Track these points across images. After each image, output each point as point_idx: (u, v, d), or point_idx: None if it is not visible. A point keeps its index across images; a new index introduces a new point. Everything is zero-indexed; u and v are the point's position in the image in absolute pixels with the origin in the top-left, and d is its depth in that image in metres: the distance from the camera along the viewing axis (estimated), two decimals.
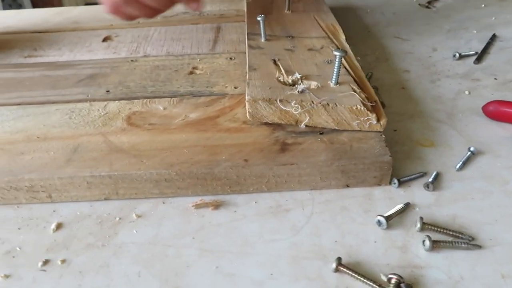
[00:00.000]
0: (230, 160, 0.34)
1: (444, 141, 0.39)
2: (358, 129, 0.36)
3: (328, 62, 0.43)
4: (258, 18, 0.47)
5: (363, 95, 0.37)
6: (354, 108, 0.35)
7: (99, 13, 0.69)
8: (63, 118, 0.41)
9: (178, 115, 0.41)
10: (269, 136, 0.36)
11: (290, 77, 0.39)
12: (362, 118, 0.35)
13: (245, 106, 0.40)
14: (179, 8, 0.70)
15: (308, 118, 0.36)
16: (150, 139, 0.37)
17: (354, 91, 0.37)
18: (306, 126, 0.37)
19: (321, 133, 0.36)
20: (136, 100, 0.43)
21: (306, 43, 0.48)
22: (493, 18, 0.64)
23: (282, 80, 0.39)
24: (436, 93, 0.47)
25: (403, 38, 0.60)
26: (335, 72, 0.37)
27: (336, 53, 0.37)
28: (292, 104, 0.36)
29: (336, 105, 0.35)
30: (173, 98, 0.43)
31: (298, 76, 0.39)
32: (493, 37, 0.57)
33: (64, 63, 0.53)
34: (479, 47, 0.55)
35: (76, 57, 0.55)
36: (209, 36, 0.58)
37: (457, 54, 0.53)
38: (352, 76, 0.40)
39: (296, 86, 0.38)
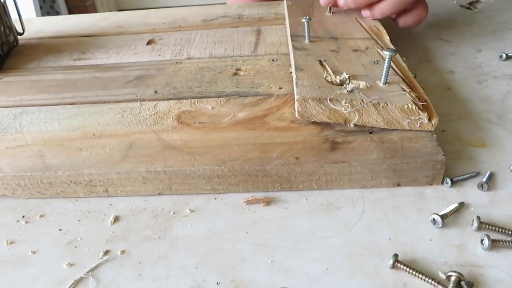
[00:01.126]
0: (281, 157, 0.35)
1: (496, 141, 0.38)
2: (409, 128, 0.36)
3: (374, 63, 0.43)
4: (303, 20, 0.47)
5: (413, 95, 0.37)
6: (405, 107, 0.35)
7: (142, 17, 0.72)
8: (116, 116, 0.43)
9: (227, 114, 0.41)
10: (319, 135, 0.37)
11: (337, 77, 0.40)
12: (413, 118, 0.35)
13: (292, 105, 0.41)
14: (218, 11, 0.72)
15: (357, 117, 0.36)
16: (201, 137, 0.38)
17: (404, 90, 0.37)
18: (355, 125, 0.37)
19: (370, 132, 0.36)
20: (184, 100, 0.45)
21: (350, 44, 0.48)
22: None
23: (330, 80, 0.40)
24: (483, 94, 0.46)
25: (446, 39, 0.59)
26: (384, 71, 0.38)
27: (386, 52, 0.37)
28: (342, 103, 0.36)
29: (387, 104, 0.35)
30: (220, 98, 0.44)
31: (346, 76, 0.39)
32: None
33: (112, 65, 0.55)
34: None
35: (122, 60, 0.57)
36: (250, 39, 0.59)
37: (504, 55, 0.52)
38: (400, 76, 0.40)
39: (344, 85, 0.38)
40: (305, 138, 0.37)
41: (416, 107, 0.35)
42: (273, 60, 0.53)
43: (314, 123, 0.38)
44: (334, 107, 0.36)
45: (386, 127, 0.36)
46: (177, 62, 0.54)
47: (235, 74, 0.50)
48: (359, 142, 0.35)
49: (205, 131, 0.39)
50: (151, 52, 0.58)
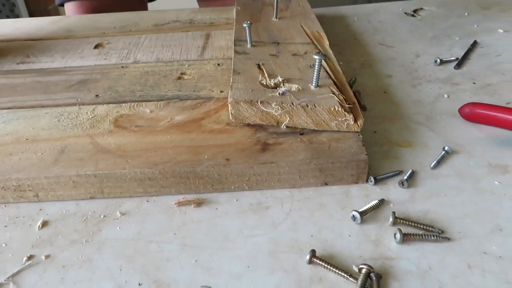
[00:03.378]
0: (213, 159, 0.35)
1: (421, 141, 0.40)
2: (337, 129, 0.37)
3: (310, 66, 0.44)
4: (244, 25, 0.48)
5: (341, 97, 0.38)
6: (332, 109, 0.36)
7: (92, 22, 0.71)
8: (52, 121, 0.42)
9: (164, 117, 0.42)
10: (251, 137, 0.38)
11: (272, 80, 0.41)
12: (340, 119, 0.36)
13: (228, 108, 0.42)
14: (171, 16, 0.72)
15: (288, 119, 0.37)
16: (136, 141, 0.38)
17: (333, 93, 0.38)
18: (287, 127, 0.38)
19: (301, 134, 0.38)
20: (124, 104, 0.45)
21: (291, 48, 0.49)
22: (476, 26, 0.65)
23: (264, 83, 0.41)
24: (416, 97, 0.48)
25: (388, 45, 0.61)
26: (315, 75, 0.39)
27: (316, 57, 0.38)
28: (273, 105, 0.37)
29: (315, 106, 0.36)
30: (160, 102, 0.45)
31: (280, 79, 0.41)
32: (474, 44, 0.59)
33: (56, 70, 0.54)
34: (461, 53, 0.57)
35: (67, 64, 0.56)
36: (198, 43, 0.60)
37: (438, 60, 0.54)
38: (332, 80, 0.41)
39: (277, 88, 0.39)
40: (238, 140, 0.37)
41: (342, 109, 0.36)
42: (218, 64, 0.53)
43: (249, 125, 0.39)
44: (265, 109, 0.37)
45: (316, 128, 0.38)
46: (122, 67, 0.54)
47: (179, 78, 0.50)
48: (289, 143, 0.37)
49: (141, 135, 0.39)
50: (97, 56, 0.58)
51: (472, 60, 0.55)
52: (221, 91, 0.46)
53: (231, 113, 0.38)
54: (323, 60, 0.40)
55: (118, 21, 0.71)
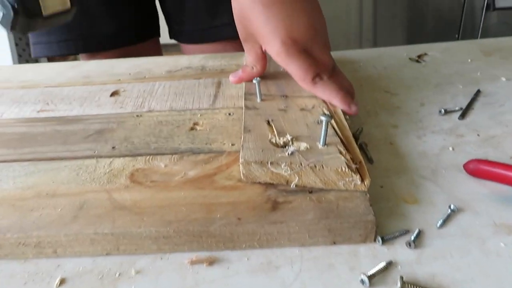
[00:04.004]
0: (225, 218, 0.37)
1: (428, 197, 0.42)
2: (344, 188, 0.39)
3: (318, 123, 0.46)
4: (254, 81, 0.50)
5: (348, 157, 0.39)
6: (340, 170, 0.38)
7: (109, 67, 0.74)
8: (71, 174, 0.44)
9: (178, 172, 0.43)
10: (262, 194, 0.39)
11: (281, 138, 0.43)
12: (347, 179, 0.38)
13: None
14: (183, 62, 0.75)
15: (297, 178, 0.39)
16: (151, 196, 0.40)
17: (340, 152, 0.40)
18: (296, 185, 0.39)
19: (310, 192, 0.39)
20: (139, 157, 0.46)
21: (299, 102, 0.51)
22: (478, 73, 0.67)
23: (274, 141, 0.43)
24: (422, 148, 0.49)
25: (392, 93, 0.63)
26: (322, 134, 0.41)
27: (323, 118, 0.40)
28: (282, 166, 0.38)
29: (323, 167, 0.38)
30: (174, 155, 0.46)
31: (289, 138, 0.42)
32: (478, 93, 0.60)
33: (74, 118, 0.57)
34: (464, 102, 0.58)
35: (85, 112, 0.59)
36: (210, 91, 0.62)
37: (443, 110, 0.56)
38: (339, 137, 0.43)
39: (287, 147, 0.41)
40: (249, 198, 0.39)
41: (350, 170, 0.38)
42: (229, 114, 0.55)
43: (259, 183, 0.40)
44: (275, 170, 0.39)
45: (324, 187, 0.39)
46: (137, 115, 0.56)
47: (192, 128, 0.53)
48: (298, 202, 0.38)
49: (156, 190, 0.41)
50: (113, 104, 0.60)
51: (475, 110, 0.57)
52: (232, 144, 0.48)
53: (242, 173, 0.40)
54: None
55: (132, 67, 0.74)
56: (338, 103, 0.49)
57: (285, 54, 0.49)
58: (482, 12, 1.48)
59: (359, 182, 0.38)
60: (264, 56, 0.57)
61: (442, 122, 0.55)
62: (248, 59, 0.57)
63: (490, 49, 0.76)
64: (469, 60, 0.72)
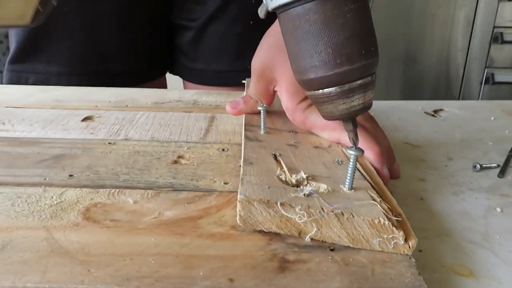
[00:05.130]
0: (210, 277, 0.25)
1: (485, 270, 0.31)
2: (380, 249, 0.28)
3: (338, 163, 0.36)
4: (259, 108, 0.41)
5: (385, 206, 0.29)
6: (376, 221, 0.27)
7: (86, 93, 0.65)
8: (4, 204, 0.32)
9: (151, 211, 0.32)
10: (265, 248, 0.28)
11: (294, 176, 0.32)
12: (385, 236, 0.27)
13: (235, 207, 0.32)
14: (173, 95, 0.66)
15: (315, 229, 0.28)
16: (107, 240, 0.28)
17: (374, 200, 0.29)
18: (312, 239, 0.28)
19: (331, 250, 0.28)
20: (102, 189, 0.35)
21: (312, 140, 0.42)
22: (507, 131, 0.60)
23: (284, 178, 0.32)
24: (461, 208, 0.40)
25: (414, 145, 0.55)
26: (349, 174, 0.30)
27: (351, 152, 0.30)
28: (297, 210, 0.28)
29: (353, 216, 0.27)
30: (148, 190, 0.35)
31: (304, 176, 0.32)
32: None
33: (30, 140, 0.46)
34: (499, 160, 0.50)
35: (46, 135, 0.48)
36: (202, 125, 0.53)
37: (478, 166, 0.47)
38: (368, 181, 0.33)
39: (301, 187, 0.31)
40: (247, 252, 0.28)
41: (390, 223, 0.27)
42: (223, 149, 0.45)
43: (261, 231, 0.29)
44: (286, 214, 0.28)
45: (351, 245, 0.28)
46: (110, 143, 0.46)
47: (175, 162, 0.42)
48: (316, 262, 0.27)
49: (116, 233, 0.29)
50: (83, 130, 0.50)
51: None
52: (225, 183, 0.38)
53: (239, 214, 0.29)
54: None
55: (115, 95, 0.65)
56: (372, 157, 0.38)
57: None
58: (481, 87, 1.47)
59: (401, 242, 0.27)
60: (274, 93, 0.48)
61: (479, 179, 0.45)
62: (253, 91, 0.48)
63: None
64: (493, 118, 0.65)
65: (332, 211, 0.27)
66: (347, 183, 0.31)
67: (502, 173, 0.46)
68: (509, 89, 1.44)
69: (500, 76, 1.45)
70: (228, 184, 0.37)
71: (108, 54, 0.77)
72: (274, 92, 0.46)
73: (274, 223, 0.29)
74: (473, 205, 0.40)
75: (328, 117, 0.32)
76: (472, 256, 0.32)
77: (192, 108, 0.61)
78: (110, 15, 0.75)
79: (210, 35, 0.79)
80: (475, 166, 0.47)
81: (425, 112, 0.68)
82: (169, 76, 0.91)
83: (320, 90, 0.30)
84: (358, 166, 0.36)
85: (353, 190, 0.31)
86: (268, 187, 0.30)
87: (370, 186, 0.32)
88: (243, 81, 0.63)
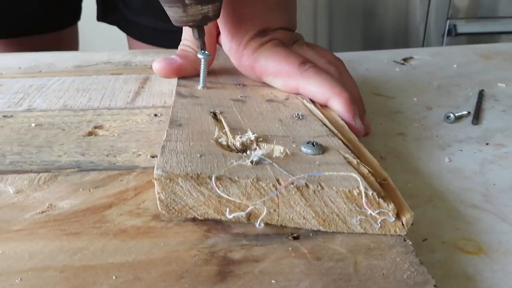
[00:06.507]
0: None
1: (496, 242, 0.24)
2: (362, 231, 0.20)
3: (299, 118, 0.27)
4: (199, 55, 0.32)
5: (365, 170, 0.21)
6: (356, 192, 0.19)
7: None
8: None
9: (39, 203, 0.23)
10: (198, 246, 0.19)
11: (238, 137, 0.23)
12: (369, 212, 0.19)
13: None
14: (101, 57, 0.55)
15: (269, 210, 0.19)
16: None
17: (350, 162, 0.21)
18: (267, 224, 0.20)
19: (295, 238, 0.20)
20: None
21: (264, 92, 0.33)
22: (486, 75, 0.53)
23: (224, 143, 0.23)
24: (452, 164, 0.32)
25: (387, 96, 0.47)
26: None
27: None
28: (241, 184, 0.19)
29: (322, 187, 0.19)
30: (41, 174, 0.26)
31: (252, 137, 0.23)
32: (481, 92, 0.46)
33: None
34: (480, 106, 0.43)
35: None
36: (131, 87, 0.43)
37: (452, 116, 0.39)
38: (339, 138, 0.24)
39: (248, 152, 0.22)
40: (171, 253, 0.19)
41: (374, 193, 0.19)
42: (155, 115, 0.36)
43: (194, 220, 0.21)
44: (226, 196, 0.19)
45: (322, 228, 0.20)
46: (5, 116, 0.35)
47: (90, 134, 0.32)
48: (274, 259, 0.18)
49: None
50: None
51: (486, 112, 0.41)
52: (152, 156, 0.28)
53: (159, 198, 0.20)
54: (312, 105, 0.23)
55: (27, 60, 0.53)
56: (339, 105, 0.30)
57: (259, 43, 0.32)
58: (443, 39, 1.42)
59: (392, 218, 0.19)
60: (217, 36, 0.38)
61: (467, 129, 0.38)
62: (190, 35, 0.38)
63: (488, 53, 0.63)
64: (468, 63, 0.59)
65: (292, 183, 0.19)
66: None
67: (476, 118, 0.39)
68: (471, 41, 1.40)
69: (462, 27, 1.40)
70: (155, 157, 0.28)
71: None
72: (218, 34, 0.36)
73: (211, 207, 0.20)
74: (465, 160, 0.33)
75: (177, 22, 0.31)
76: (476, 225, 0.25)
77: (122, 70, 0.50)
78: None
79: None
80: (448, 117, 0.40)
81: (394, 61, 0.61)
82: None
83: None
84: (323, 118, 0.27)
85: (322, 154, 0.22)
86: (200, 156, 0.21)
87: (342, 144, 0.23)
88: None
